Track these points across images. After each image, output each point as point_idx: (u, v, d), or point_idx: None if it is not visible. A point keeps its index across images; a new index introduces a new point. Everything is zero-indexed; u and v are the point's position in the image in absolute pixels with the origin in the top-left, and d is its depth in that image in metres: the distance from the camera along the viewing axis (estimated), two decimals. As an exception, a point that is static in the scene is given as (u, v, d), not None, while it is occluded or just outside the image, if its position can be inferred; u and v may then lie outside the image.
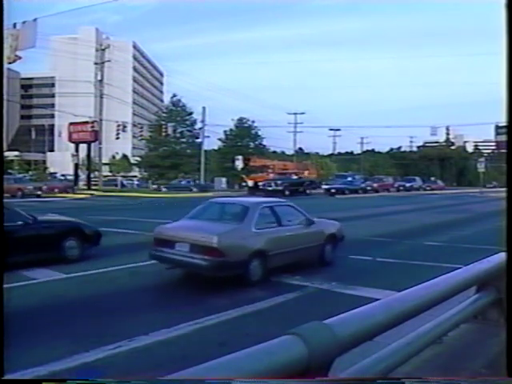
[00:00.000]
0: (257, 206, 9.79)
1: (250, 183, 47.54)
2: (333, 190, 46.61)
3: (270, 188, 42.70)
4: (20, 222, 10.41)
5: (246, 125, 71.90)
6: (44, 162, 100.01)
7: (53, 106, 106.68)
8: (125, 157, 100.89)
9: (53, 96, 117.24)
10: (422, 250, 13.15)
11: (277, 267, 9.40)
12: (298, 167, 55.07)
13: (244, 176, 51.64)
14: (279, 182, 43.98)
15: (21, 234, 10.19)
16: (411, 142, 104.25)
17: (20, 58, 27.72)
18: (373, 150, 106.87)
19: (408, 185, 61.18)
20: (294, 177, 47.61)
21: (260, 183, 45.15)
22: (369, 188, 52.62)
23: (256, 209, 9.60)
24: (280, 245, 9.44)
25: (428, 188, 62.85)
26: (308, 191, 46.66)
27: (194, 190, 49.24)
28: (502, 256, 4.60)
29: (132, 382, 2.24)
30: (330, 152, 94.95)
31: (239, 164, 55.92)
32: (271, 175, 48.30)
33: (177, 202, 31.89)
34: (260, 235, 9.19)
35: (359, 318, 2.93)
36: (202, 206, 10.41)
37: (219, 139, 72.37)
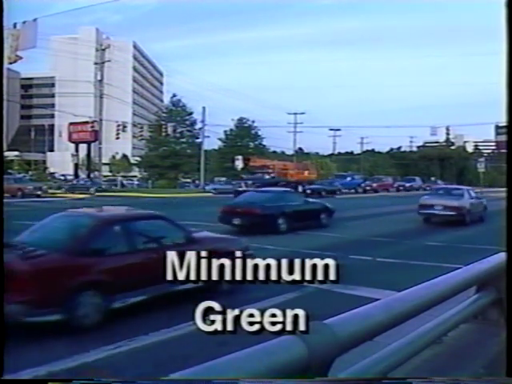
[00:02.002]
0: (466, 189, 22.15)
1: None
2: (308, 191, 45.33)
3: (240, 189, 41.73)
4: (301, 202, 17.62)
5: (245, 125, 71.84)
6: (44, 162, 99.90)
7: (53, 106, 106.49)
8: (125, 157, 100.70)
9: (53, 96, 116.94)
10: (422, 250, 13.16)
11: (470, 220, 19.52)
12: (297, 167, 54.92)
13: (244, 176, 51.52)
14: (249, 182, 42.96)
15: (302, 209, 17.03)
16: (411, 142, 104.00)
17: (21, 58, 27.71)
18: (373, 150, 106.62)
19: (408, 185, 61.10)
20: (267, 177, 46.32)
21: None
22: (368, 188, 52.48)
23: (466, 190, 21.45)
24: (474, 208, 20.51)
25: (428, 188, 62.79)
26: None
27: (91, 190, 45.49)
28: (501, 256, 4.60)
29: (133, 382, 2.24)
30: (330, 152, 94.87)
31: (239, 164, 55.81)
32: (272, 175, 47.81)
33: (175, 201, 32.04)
34: (468, 202, 20.24)
35: (359, 318, 2.92)
36: (431, 191, 24.83)
37: (219, 139, 72.35)
